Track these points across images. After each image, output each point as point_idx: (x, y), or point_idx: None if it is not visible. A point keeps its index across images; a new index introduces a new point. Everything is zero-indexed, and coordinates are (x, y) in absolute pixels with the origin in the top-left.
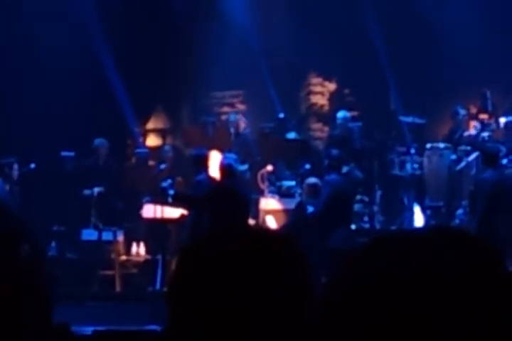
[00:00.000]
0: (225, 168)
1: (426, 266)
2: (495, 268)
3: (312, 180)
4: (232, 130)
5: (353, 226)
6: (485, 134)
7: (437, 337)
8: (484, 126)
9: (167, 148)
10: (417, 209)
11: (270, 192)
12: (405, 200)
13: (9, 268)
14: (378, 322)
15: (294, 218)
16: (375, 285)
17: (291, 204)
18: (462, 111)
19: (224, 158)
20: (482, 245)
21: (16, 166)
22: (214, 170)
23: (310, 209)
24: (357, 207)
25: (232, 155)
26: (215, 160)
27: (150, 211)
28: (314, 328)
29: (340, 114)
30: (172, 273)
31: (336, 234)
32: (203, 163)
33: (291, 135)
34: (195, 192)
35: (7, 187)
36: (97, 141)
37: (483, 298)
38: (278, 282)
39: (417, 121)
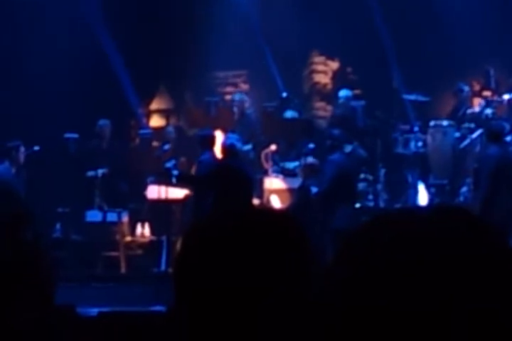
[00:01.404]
0: (227, 147)
1: (427, 243)
2: (497, 248)
3: (310, 159)
4: (235, 110)
5: (358, 205)
6: (488, 111)
7: (439, 315)
8: (488, 103)
9: (170, 128)
10: (421, 187)
11: (274, 171)
12: (409, 178)
13: (13, 251)
14: (379, 299)
15: (297, 199)
16: (376, 261)
17: (296, 183)
18: (466, 88)
19: (226, 138)
20: (484, 224)
21: (22, 149)
22: (217, 150)
23: (314, 189)
24: (361, 185)
25: (235, 135)
26: (218, 141)
27: (154, 192)
28: (316, 307)
29: (342, 93)
30: (177, 254)
31: (340, 213)
32: (208, 143)
33: (289, 114)
34: (197, 171)
35: (13, 170)
36: (101, 122)
37: (485, 277)
38: (281, 261)
39: (420, 98)
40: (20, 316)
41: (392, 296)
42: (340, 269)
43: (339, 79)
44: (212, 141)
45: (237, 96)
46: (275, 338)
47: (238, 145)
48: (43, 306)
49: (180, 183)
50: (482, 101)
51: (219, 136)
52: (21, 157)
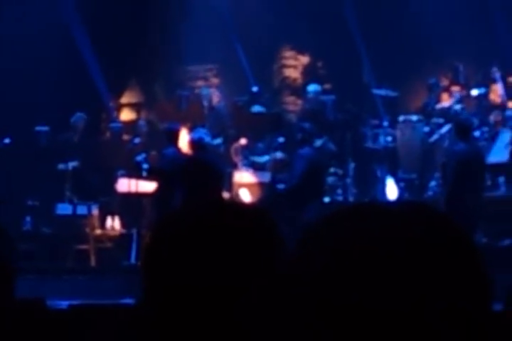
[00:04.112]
0: (195, 141)
1: (392, 239)
2: (461, 246)
3: (279, 154)
4: (205, 104)
5: (327, 199)
6: (457, 106)
7: (394, 308)
8: (458, 98)
9: (141, 122)
10: (390, 182)
11: (244, 165)
12: (378, 173)
13: None
14: (347, 293)
15: (265, 193)
16: (340, 254)
17: (265, 177)
18: (440, 84)
19: (194, 131)
20: (448, 221)
21: None
22: (182, 145)
23: (281, 186)
24: (330, 179)
25: (203, 129)
26: (182, 135)
27: (124, 185)
28: (280, 304)
29: (311, 88)
30: (144, 247)
31: (309, 208)
32: (173, 136)
33: (256, 109)
34: (160, 165)
35: None
36: (77, 115)
37: (449, 274)
38: (251, 255)
39: (390, 93)
40: None
41: (361, 290)
42: (307, 262)
43: (309, 73)
44: (176, 135)
45: (204, 91)
46: (248, 335)
47: (206, 139)
48: (2, 298)
49: (150, 177)
50: (457, 95)
51: (184, 133)
52: None
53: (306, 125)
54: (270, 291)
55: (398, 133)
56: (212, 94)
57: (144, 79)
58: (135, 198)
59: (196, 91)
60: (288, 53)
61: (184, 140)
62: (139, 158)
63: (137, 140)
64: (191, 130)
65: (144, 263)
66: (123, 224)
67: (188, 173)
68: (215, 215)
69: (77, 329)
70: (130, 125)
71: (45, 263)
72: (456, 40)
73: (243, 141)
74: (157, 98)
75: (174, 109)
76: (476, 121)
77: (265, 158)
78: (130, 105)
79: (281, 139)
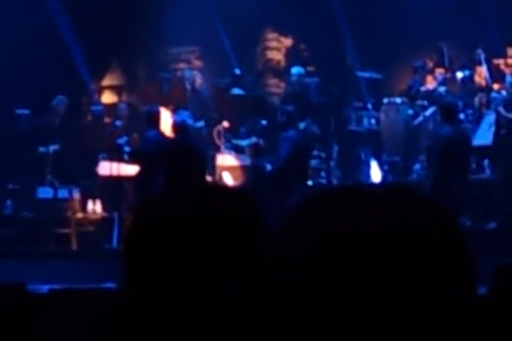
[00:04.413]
0: (178, 124)
1: (376, 221)
2: (446, 229)
3: (254, 139)
4: (188, 86)
5: (310, 182)
6: (442, 89)
7: (385, 295)
8: (442, 80)
9: (122, 105)
10: (374, 165)
11: (226, 148)
12: (362, 155)
13: None
14: (331, 270)
15: (251, 176)
16: (320, 237)
17: (248, 160)
18: (426, 66)
19: (177, 114)
20: (434, 204)
21: None
22: (165, 128)
23: (268, 166)
24: (314, 162)
25: (186, 112)
26: (164, 118)
27: (106, 168)
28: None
29: (295, 70)
30: (126, 230)
31: (294, 191)
32: (154, 119)
33: (235, 91)
34: (141, 148)
35: None
36: (58, 98)
37: (436, 257)
38: (235, 238)
39: (374, 76)
40: None
41: (349, 275)
42: (291, 245)
43: (292, 56)
44: (157, 117)
45: (187, 73)
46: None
47: (189, 121)
48: None
49: (132, 160)
50: (441, 77)
51: (165, 114)
52: None
53: (289, 107)
54: (260, 277)
55: (382, 115)
56: (195, 76)
57: (126, 62)
58: (116, 181)
59: (178, 73)
60: (271, 35)
61: (167, 123)
62: (121, 141)
63: (118, 123)
64: (174, 112)
65: (126, 246)
66: (104, 208)
67: (171, 156)
68: (197, 198)
69: (58, 314)
70: (111, 108)
71: (26, 247)
72: (440, 21)
73: (225, 124)
74: (139, 80)
75: (156, 91)
76: (460, 104)
77: (247, 142)
78: (111, 88)
79: (264, 122)
